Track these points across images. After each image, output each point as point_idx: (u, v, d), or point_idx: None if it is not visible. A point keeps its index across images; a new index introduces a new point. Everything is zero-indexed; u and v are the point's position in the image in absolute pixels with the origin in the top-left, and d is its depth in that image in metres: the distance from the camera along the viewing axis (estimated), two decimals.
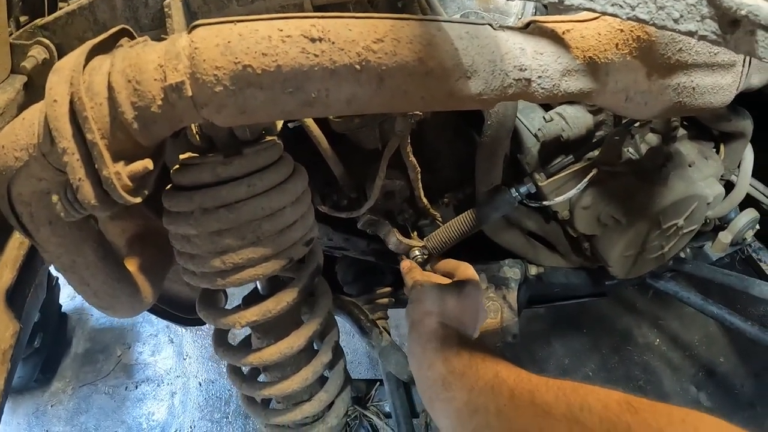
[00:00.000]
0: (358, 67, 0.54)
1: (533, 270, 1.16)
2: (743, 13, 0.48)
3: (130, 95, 0.49)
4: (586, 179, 0.95)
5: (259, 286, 0.80)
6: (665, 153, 1.08)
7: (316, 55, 0.53)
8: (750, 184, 1.38)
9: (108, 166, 0.50)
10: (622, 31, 0.67)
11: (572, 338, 1.76)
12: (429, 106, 0.68)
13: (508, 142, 1.03)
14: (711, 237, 1.43)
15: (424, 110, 0.66)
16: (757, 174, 1.37)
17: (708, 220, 1.31)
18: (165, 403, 1.97)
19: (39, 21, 0.77)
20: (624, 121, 0.99)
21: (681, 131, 1.15)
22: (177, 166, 0.66)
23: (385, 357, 1.13)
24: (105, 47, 0.55)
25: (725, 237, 1.37)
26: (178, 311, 1.22)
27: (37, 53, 0.76)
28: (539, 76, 0.64)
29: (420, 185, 1.04)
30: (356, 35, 0.55)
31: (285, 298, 0.73)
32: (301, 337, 0.77)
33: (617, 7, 0.54)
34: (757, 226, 1.41)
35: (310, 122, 0.98)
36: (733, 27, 0.50)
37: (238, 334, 0.88)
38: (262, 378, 0.84)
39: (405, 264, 0.91)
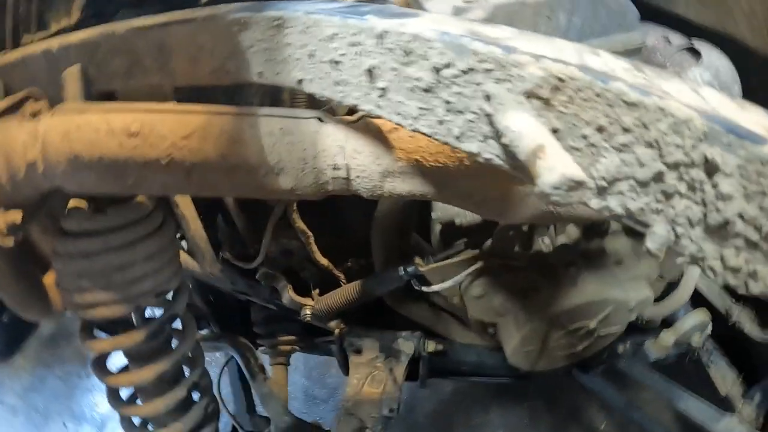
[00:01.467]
0: (164, 161, 0.59)
1: (431, 346, 1.10)
2: (505, 141, 0.40)
3: (3, 164, 0.61)
4: (466, 271, 0.89)
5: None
6: (581, 250, 1.00)
7: (130, 149, 0.59)
8: (706, 284, 1.26)
9: None
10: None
11: (512, 410, 1.66)
12: (244, 195, 0.68)
13: (409, 218, 0.98)
14: (657, 334, 1.32)
15: (241, 196, 0.65)
16: None
17: (643, 321, 1.21)
18: None
19: None
20: None
21: (616, 225, 1.06)
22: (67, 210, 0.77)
23: (264, 402, 1.12)
24: (13, 108, 0.66)
25: (667, 338, 1.25)
26: None
27: None
28: (357, 176, 0.61)
29: (314, 248, 1.00)
30: (167, 131, 0.60)
31: (133, 337, 0.81)
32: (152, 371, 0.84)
33: (401, 117, 0.50)
34: (709, 330, 1.29)
35: None
36: None
37: None
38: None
39: None
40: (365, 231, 1.04)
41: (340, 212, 1.10)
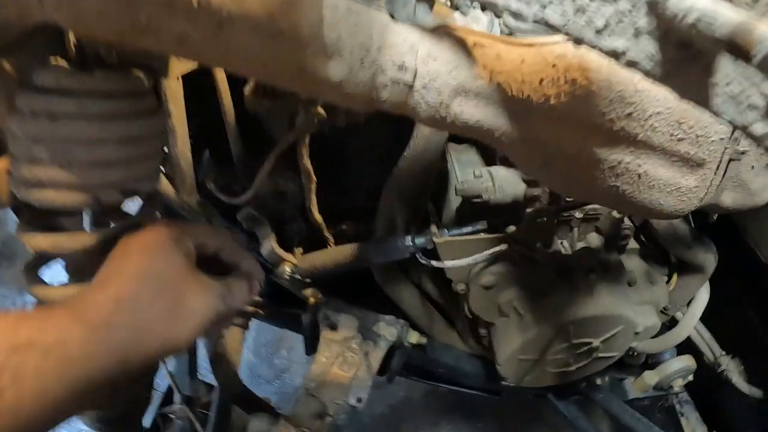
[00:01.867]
0: (195, 2, 0.42)
1: (413, 338, 0.96)
2: (690, 21, 0.31)
3: None
4: (488, 251, 0.76)
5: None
6: (602, 260, 0.89)
7: None
8: (696, 329, 1.18)
9: None
10: (554, 66, 0.50)
11: (462, 427, 1.53)
12: (275, 77, 0.52)
13: (427, 184, 0.85)
14: (637, 372, 1.22)
15: (269, 81, 0.49)
16: (709, 322, 1.18)
17: (634, 353, 1.11)
18: None
19: None
20: (559, 205, 0.81)
21: (633, 244, 0.96)
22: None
23: (215, 365, 0.94)
24: None
25: (650, 378, 1.16)
26: None
27: None
28: (424, 86, 0.48)
29: (313, 196, 0.85)
30: None
31: (79, 239, 0.62)
32: None
33: (523, 3, 0.38)
34: (690, 377, 1.21)
35: (224, 92, 0.83)
36: (681, 52, 0.35)
37: None
38: None
39: None
40: (372, 193, 0.90)
41: (348, 166, 0.96)
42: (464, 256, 0.77)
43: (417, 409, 1.59)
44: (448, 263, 0.76)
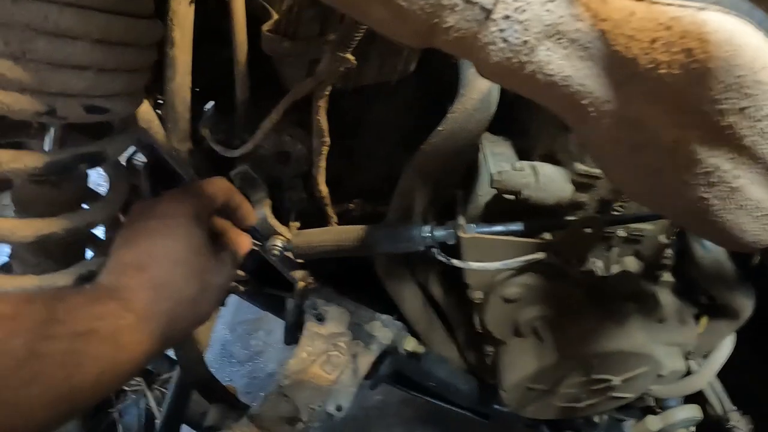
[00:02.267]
0: None
1: (410, 345, 0.81)
2: None
3: None
4: (524, 258, 0.62)
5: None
6: (638, 289, 0.75)
7: None
8: (712, 383, 1.05)
9: None
10: (668, 28, 0.36)
11: None
12: None
13: (458, 168, 0.71)
14: (637, 415, 1.09)
15: None
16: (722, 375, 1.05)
17: (645, 396, 0.98)
18: None
19: None
20: (608, 215, 0.67)
21: (668, 277, 0.83)
22: None
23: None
24: None
25: (653, 424, 1.02)
26: None
27: None
28: (507, 16, 0.35)
29: (323, 163, 0.70)
30: None
31: (23, 159, 0.51)
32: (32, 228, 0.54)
33: None
34: (693, 429, 1.08)
35: (239, 22, 0.67)
36: None
37: None
38: None
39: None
40: (389, 174, 0.75)
41: (367, 136, 0.81)
42: (491, 258, 0.63)
43: (391, 415, 1.44)
44: (473, 264, 0.62)
